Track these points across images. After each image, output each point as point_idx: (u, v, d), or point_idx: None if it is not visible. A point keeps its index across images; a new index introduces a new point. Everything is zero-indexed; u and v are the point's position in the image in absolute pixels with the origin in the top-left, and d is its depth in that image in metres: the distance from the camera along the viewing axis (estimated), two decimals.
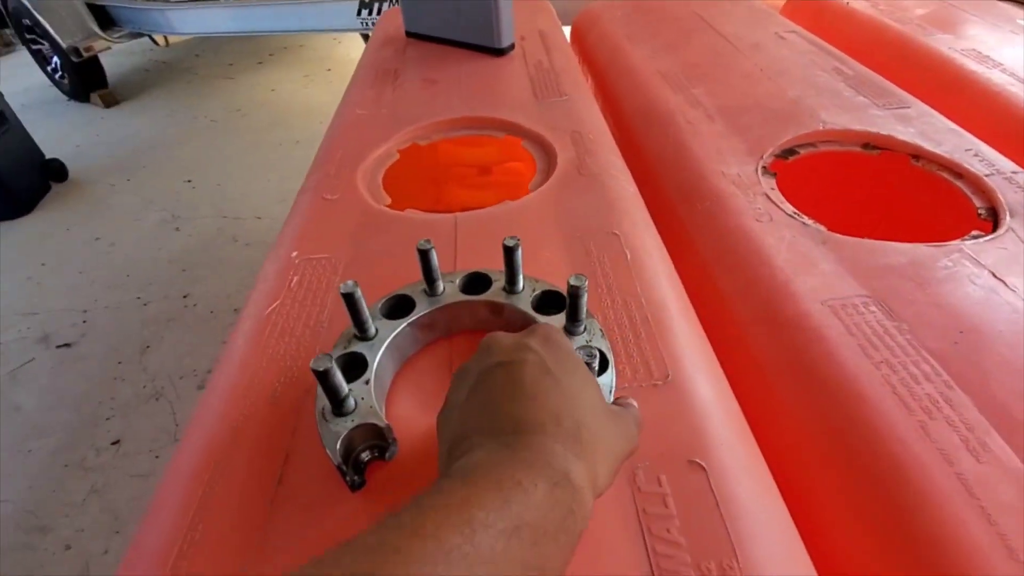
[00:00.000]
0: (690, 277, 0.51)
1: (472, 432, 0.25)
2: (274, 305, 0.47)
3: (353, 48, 3.31)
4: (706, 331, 0.46)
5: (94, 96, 2.88)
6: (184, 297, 1.69)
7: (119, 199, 2.16)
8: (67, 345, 1.56)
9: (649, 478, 0.33)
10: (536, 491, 0.21)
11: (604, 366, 0.37)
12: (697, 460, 0.34)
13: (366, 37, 2.56)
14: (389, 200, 0.62)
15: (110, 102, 2.88)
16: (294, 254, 0.53)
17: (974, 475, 0.33)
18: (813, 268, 0.49)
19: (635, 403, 0.33)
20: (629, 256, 0.49)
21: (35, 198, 2.14)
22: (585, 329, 0.39)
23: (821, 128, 0.68)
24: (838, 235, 0.53)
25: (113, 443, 1.31)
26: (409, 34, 1.05)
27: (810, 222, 0.55)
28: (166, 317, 1.63)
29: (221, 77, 3.16)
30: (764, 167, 0.65)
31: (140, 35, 2.93)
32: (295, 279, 0.50)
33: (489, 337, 0.30)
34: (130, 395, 1.42)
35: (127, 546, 0.34)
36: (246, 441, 0.37)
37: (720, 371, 0.42)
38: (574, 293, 0.36)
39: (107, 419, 1.37)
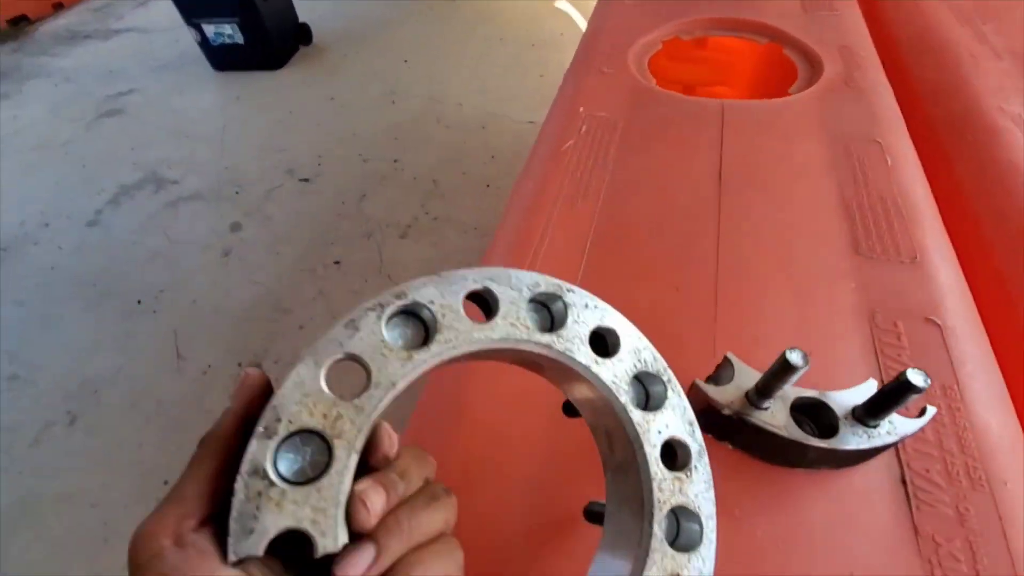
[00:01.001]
0: (944, 195, 0.54)
1: None
2: (569, 144, 0.60)
3: None
4: (953, 239, 0.50)
5: None
6: (395, 161, 1.97)
7: (349, 67, 2.48)
8: (306, 180, 1.92)
9: (886, 321, 0.41)
10: None
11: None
12: (934, 319, 0.41)
13: None
14: (655, 80, 0.70)
15: None
16: (581, 109, 0.64)
17: None
18: None
19: None
20: (890, 162, 0.54)
21: (288, 55, 2.53)
22: None
23: None
24: None
25: (335, 262, 1.64)
26: None
27: None
28: (379, 175, 1.92)
29: None
30: None
31: None
32: (584, 128, 0.62)
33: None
34: (348, 230, 1.73)
35: None
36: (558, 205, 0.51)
37: (958, 265, 0.46)
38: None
39: (331, 244, 1.70)
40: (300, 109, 2.25)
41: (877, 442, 0.30)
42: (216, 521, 0.19)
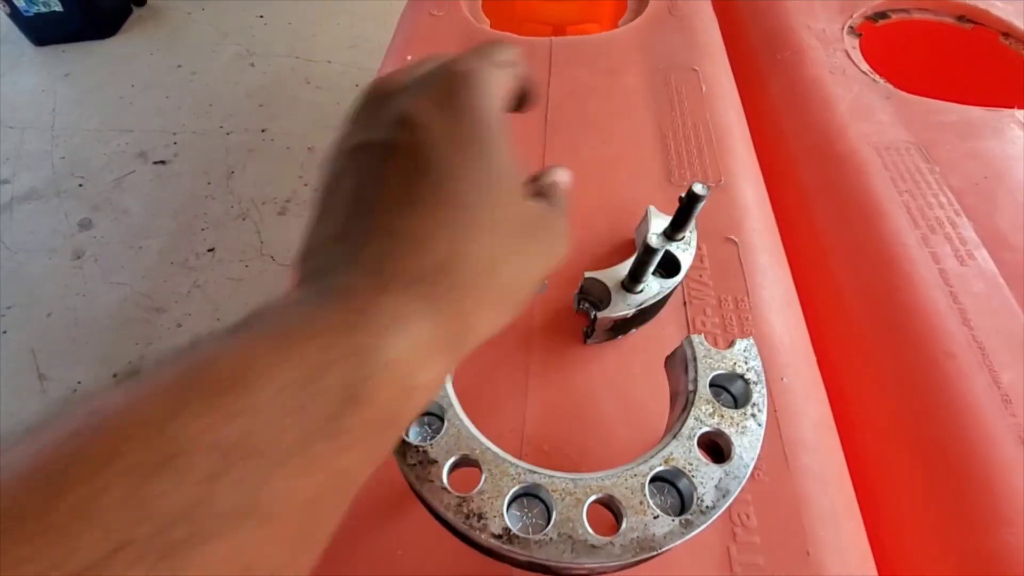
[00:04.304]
0: (758, 116, 0.57)
1: (317, 245, 0.18)
2: None
3: None
4: (763, 162, 0.53)
5: None
6: (262, 131, 1.81)
7: (196, 28, 2.22)
8: (162, 162, 1.73)
9: None
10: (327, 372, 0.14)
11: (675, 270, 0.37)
12: (732, 237, 0.43)
13: None
14: (489, 23, 0.67)
15: None
16: (408, 57, 0.61)
17: (954, 272, 0.42)
18: (871, 117, 0.55)
19: (561, 181, 0.23)
20: (704, 89, 0.55)
21: (120, 20, 2.21)
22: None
23: None
24: (903, 93, 0.57)
25: (209, 250, 1.51)
26: None
27: (880, 80, 0.59)
28: (247, 147, 1.76)
29: None
30: (851, 27, 0.67)
31: None
32: None
33: (370, 88, 0.21)
34: (220, 212, 1.59)
35: None
36: None
37: (762, 183, 0.50)
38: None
39: (202, 230, 1.56)
40: (144, 81, 1.99)
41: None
42: None
